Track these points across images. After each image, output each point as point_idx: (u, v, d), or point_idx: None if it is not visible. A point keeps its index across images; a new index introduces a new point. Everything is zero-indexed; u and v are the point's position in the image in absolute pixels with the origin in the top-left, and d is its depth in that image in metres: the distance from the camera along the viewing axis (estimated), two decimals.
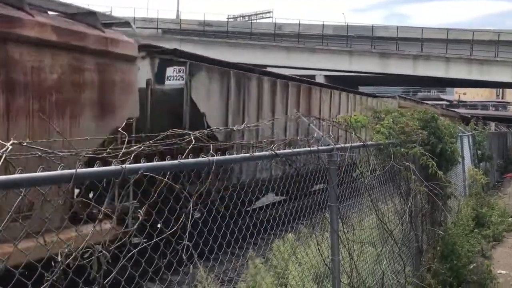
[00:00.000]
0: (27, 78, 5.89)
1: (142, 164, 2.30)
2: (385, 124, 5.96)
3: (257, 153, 3.27)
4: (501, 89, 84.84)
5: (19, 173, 1.88)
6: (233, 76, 11.02)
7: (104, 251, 2.15)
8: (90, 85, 6.78)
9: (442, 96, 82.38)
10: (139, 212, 2.31)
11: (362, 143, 4.92)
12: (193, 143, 2.78)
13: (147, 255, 2.58)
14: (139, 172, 2.24)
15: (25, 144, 2.04)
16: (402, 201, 6.05)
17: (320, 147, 4.01)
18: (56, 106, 6.25)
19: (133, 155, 2.35)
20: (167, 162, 2.53)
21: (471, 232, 9.46)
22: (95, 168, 2.11)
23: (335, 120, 5.18)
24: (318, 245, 4.20)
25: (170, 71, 9.74)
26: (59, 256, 2.06)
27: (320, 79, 39.61)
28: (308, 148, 3.86)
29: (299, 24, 42.57)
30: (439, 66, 37.57)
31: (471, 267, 7.86)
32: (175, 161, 2.52)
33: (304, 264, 5.04)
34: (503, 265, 8.99)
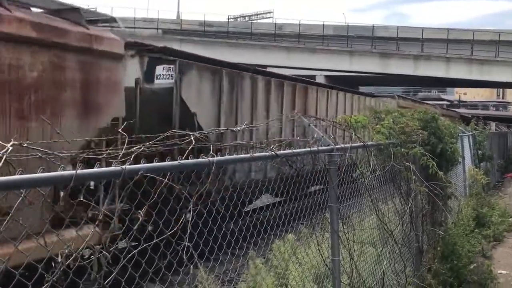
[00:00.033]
0: (4, 76, 5.68)
1: (142, 165, 2.30)
2: (385, 124, 5.96)
3: (257, 154, 3.26)
4: (501, 89, 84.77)
5: (19, 174, 1.88)
6: (226, 75, 10.80)
7: (105, 252, 2.15)
8: (72, 83, 6.54)
9: (443, 96, 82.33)
10: (139, 213, 2.30)
11: (363, 144, 4.92)
12: (193, 143, 2.78)
13: (147, 256, 2.59)
14: (139, 173, 2.24)
15: (25, 145, 2.04)
16: (402, 201, 6.05)
17: (320, 148, 4.01)
18: (35, 105, 6.03)
19: (133, 156, 2.35)
20: (167, 163, 2.53)
21: (471, 232, 9.46)
22: (95, 169, 2.11)
23: (334, 120, 5.17)
24: (318, 245, 4.20)
25: (159, 69, 9.55)
26: (60, 256, 2.06)
27: (320, 79, 39.60)
28: (309, 149, 3.86)
29: (300, 24, 42.59)
30: (440, 66, 37.56)
31: (472, 267, 7.86)
32: (175, 162, 2.52)
33: (305, 265, 5.04)
34: (504, 265, 8.98)
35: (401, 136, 6.10)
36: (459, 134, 11.19)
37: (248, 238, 4.23)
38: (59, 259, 2.07)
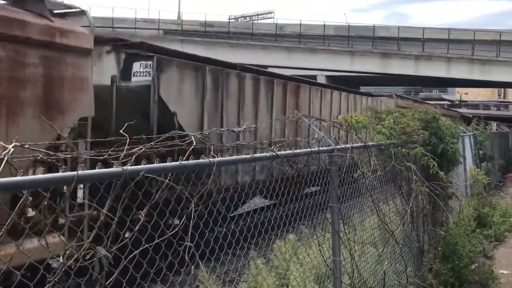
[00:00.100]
0: None
1: (143, 166, 2.30)
2: (386, 125, 5.97)
3: (258, 154, 3.26)
4: (503, 89, 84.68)
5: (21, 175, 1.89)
6: (209, 72, 10.20)
7: (106, 253, 2.16)
8: (33, 80, 6.05)
9: (444, 96, 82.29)
10: (140, 213, 2.31)
11: (363, 144, 4.92)
12: (193, 144, 2.79)
13: (148, 256, 2.59)
14: (140, 173, 2.24)
15: (27, 146, 2.05)
16: (403, 202, 6.05)
17: (321, 148, 4.01)
18: None
19: (134, 156, 2.36)
20: (169, 163, 2.53)
21: (472, 232, 9.45)
22: (97, 170, 2.11)
23: (335, 121, 5.17)
24: (319, 245, 4.20)
25: (136, 66, 9.00)
26: (61, 257, 2.07)
27: (321, 80, 39.60)
28: (309, 149, 3.86)
29: (300, 24, 42.58)
30: (441, 66, 37.55)
31: (473, 267, 7.86)
32: (176, 163, 2.52)
33: (306, 265, 5.05)
34: (505, 265, 8.97)
35: (402, 136, 6.10)
36: (460, 134, 11.18)
37: (249, 239, 4.24)
38: (60, 260, 2.07)
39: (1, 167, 1.85)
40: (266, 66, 28.27)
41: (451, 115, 29.21)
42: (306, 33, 41.48)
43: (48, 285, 1.99)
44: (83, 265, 2.10)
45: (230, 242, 3.71)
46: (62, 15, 6.97)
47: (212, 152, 2.78)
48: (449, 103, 70.30)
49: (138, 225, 2.33)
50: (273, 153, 3.31)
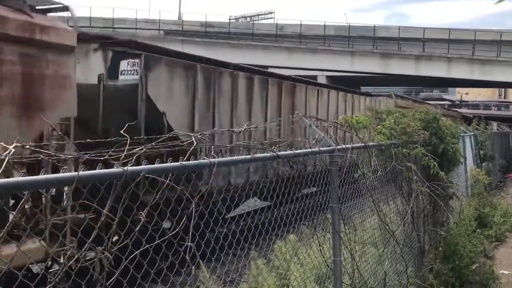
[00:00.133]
0: None
1: (144, 166, 2.30)
2: (387, 125, 5.97)
3: (258, 155, 3.26)
4: (503, 89, 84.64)
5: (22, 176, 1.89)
6: (201, 71, 9.89)
7: (107, 253, 2.16)
8: (10, 78, 5.83)
9: (444, 96, 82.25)
10: (141, 214, 2.31)
11: (364, 144, 4.92)
12: (194, 144, 2.79)
13: (149, 257, 2.59)
14: (141, 174, 2.24)
15: (27, 146, 2.05)
16: (404, 202, 6.05)
17: (321, 148, 4.01)
18: None
19: (135, 157, 2.36)
20: (169, 164, 2.53)
21: (473, 232, 9.45)
22: (97, 171, 2.11)
23: (336, 121, 5.17)
24: (320, 246, 4.20)
25: (124, 64, 8.73)
26: (62, 257, 2.07)
27: (322, 80, 39.61)
28: (310, 149, 3.86)
29: (301, 24, 42.60)
30: (441, 66, 37.56)
31: (474, 267, 7.86)
32: (177, 163, 2.52)
33: (306, 265, 5.05)
34: (506, 265, 8.97)
35: (402, 136, 6.10)
36: (461, 134, 11.18)
37: (249, 239, 4.24)
38: (61, 260, 2.07)
39: (2, 167, 1.85)
40: (266, 67, 28.28)
41: (451, 115, 29.20)
42: (306, 33, 41.50)
43: (49, 285, 1.99)
44: (84, 265, 2.10)
45: (231, 242, 3.71)
46: (44, 11, 6.73)
47: (212, 153, 2.78)
48: (450, 103, 70.27)
49: (139, 226, 2.34)
50: (274, 153, 3.31)
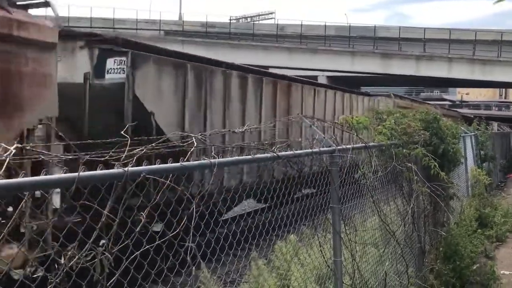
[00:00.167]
0: None
1: (145, 167, 2.31)
2: (387, 125, 5.97)
3: (259, 155, 3.27)
4: (504, 89, 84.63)
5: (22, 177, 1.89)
6: (191, 70, 9.59)
7: (107, 254, 2.16)
8: None
9: (445, 96, 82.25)
10: (141, 215, 2.31)
11: (364, 145, 4.92)
12: (195, 145, 2.79)
13: (149, 257, 2.60)
14: (141, 175, 2.25)
15: (28, 147, 2.05)
16: (404, 202, 6.05)
17: (322, 149, 4.01)
18: None
19: (135, 158, 2.36)
20: (170, 164, 2.54)
21: (474, 232, 9.45)
22: (98, 172, 2.11)
23: (336, 121, 5.17)
24: (320, 246, 4.20)
25: (110, 63, 8.42)
26: (62, 258, 2.07)
27: (322, 80, 39.61)
28: (310, 150, 3.86)
29: (301, 25, 42.60)
30: (442, 66, 37.55)
31: (474, 267, 7.85)
32: (177, 164, 2.53)
33: (307, 266, 5.05)
34: (507, 265, 8.96)
35: (403, 137, 6.10)
36: (461, 135, 11.18)
37: (250, 239, 4.24)
38: (62, 261, 2.07)
39: (3, 168, 1.85)
40: (267, 67, 28.30)
41: (451, 115, 29.17)
42: (307, 34, 41.50)
43: (50, 286, 2.00)
44: (85, 266, 2.10)
45: (231, 242, 3.71)
46: (25, 7, 6.52)
47: (203, 154, 2.78)
48: (450, 103, 70.28)
49: (139, 227, 2.34)
50: (274, 153, 3.31)
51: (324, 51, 39.52)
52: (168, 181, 2.45)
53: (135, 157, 2.33)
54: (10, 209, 4.95)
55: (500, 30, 40.51)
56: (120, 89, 8.37)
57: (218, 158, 2.78)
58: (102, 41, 8.68)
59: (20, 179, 1.89)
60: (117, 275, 2.21)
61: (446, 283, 6.77)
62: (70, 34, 8.42)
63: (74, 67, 8.36)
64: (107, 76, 8.46)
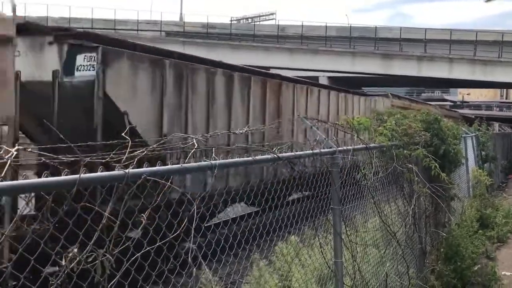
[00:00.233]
0: None
1: (145, 169, 2.31)
2: (388, 126, 5.98)
3: (259, 157, 3.27)
4: (505, 90, 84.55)
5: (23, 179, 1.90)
6: (170, 67, 8.96)
7: (108, 255, 2.16)
8: None
9: (446, 97, 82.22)
10: (142, 216, 2.32)
11: (365, 146, 4.93)
12: (195, 146, 2.80)
13: (150, 259, 2.60)
14: (142, 176, 2.25)
15: (29, 149, 2.06)
16: (405, 203, 6.05)
17: (322, 150, 4.02)
18: None
19: (136, 159, 2.36)
20: (171, 166, 2.54)
21: (475, 233, 9.44)
22: (99, 173, 2.12)
23: (337, 122, 5.18)
24: (321, 247, 4.21)
25: (80, 59, 7.85)
26: (63, 260, 2.07)
27: (323, 80, 39.63)
28: (311, 151, 3.87)
29: (302, 25, 42.65)
30: (443, 66, 37.57)
31: (475, 268, 7.85)
32: (178, 165, 2.54)
33: (307, 267, 5.05)
34: (508, 266, 8.96)
35: (403, 137, 6.10)
36: (462, 135, 11.18)
37: (250, 241, 4.24)
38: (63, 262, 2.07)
39: (5, 170, 1.86)
40: (268, 68, 28.32)
41: (452, 116, 29.15)
42: (308, 34, 41.54)
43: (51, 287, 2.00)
44: (85, 268, 2.10)
45: (232, 243, 3.71)
46: None
47: (210, 156, 2.79)
48: (451, 103, 70.26)
49: (140, 227, 2.34)
50: (275, 155, 3.31)
51: (325, 51, 39.54)
52: (167, 183, 2.45)
53: (135, 159, 2.33)
54: None
55: (501, 31, 40.54)
56: (90, 88, 7.85)
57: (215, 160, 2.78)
58: (72, 35, 8.11)
59: (21, 181, 1.90)
60: (118, 276, 2.21)
61: (447, 284, 6.77)
62: (38, 29, 7.99)
63: (42, 64, 7.91)
64: (76, 73, 7.92)
